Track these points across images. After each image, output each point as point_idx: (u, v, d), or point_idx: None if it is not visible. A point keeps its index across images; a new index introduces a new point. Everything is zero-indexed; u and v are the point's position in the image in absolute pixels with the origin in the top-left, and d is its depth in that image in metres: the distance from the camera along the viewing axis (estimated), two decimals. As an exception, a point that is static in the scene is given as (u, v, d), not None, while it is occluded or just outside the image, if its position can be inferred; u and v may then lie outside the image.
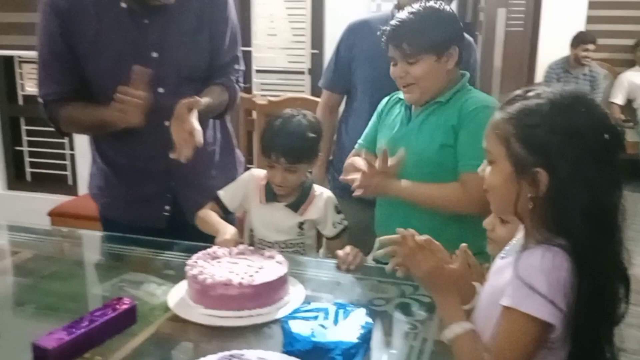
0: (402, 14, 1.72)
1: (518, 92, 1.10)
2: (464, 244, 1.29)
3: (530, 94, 1.08)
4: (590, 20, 5.58)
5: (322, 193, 1.90)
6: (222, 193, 1.88)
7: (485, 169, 1.15)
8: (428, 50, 1.67)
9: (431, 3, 1.74)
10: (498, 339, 1.05)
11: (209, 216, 1.81)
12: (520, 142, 1.05)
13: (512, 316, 1.03)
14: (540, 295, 0.99)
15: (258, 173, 1.93)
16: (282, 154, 1.77)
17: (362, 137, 1.96)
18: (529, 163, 1.04)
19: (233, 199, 1.88)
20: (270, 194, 1.86)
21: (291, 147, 1.77)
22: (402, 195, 1.73)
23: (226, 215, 1.86)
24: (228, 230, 1.70)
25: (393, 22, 1.72)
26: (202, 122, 1.79)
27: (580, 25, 5.50)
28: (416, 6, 1.72)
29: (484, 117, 1.60)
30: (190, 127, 1.64)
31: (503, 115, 1.09)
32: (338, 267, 1.69)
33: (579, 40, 5.24)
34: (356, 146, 1.96)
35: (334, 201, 1.89)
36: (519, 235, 1.17)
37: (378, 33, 1.78)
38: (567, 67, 5.33)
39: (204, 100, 1.77)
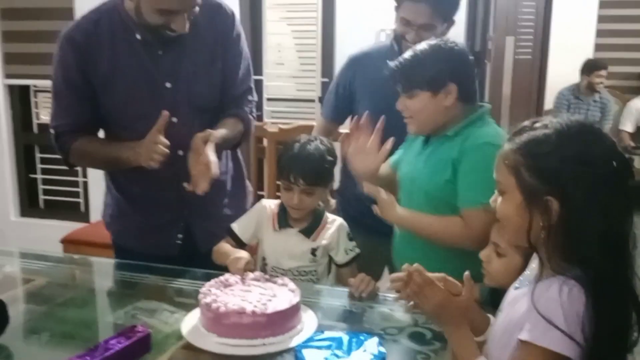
0: (406, 52, 1.75)
1: (526, 123, 1.12)
2: (467, 272, 1.29)
3: (538, 124, 1.10)
4: (598, 48, 5.62)
5: (335, 219, 1.91)
6: (235, 225, 1.91)
7: (497, 200, 1.16)
8: (422, 86, 1.68)
9: (436, 40, 1.74)
10: None
11: (222, 247, 1.83)
12: (530, 172, 1.07)
13: (530, 351, 1.02)
14: (558, 330, 0.99)
15: (269, 203, 1.95)
16: (302, 175, 1.79)
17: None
18: (539, 192, 1.05)
19: (246, 230, 1.90)
20: (283, 221, 1.87)
21: (310, 168, 1.80)
22: (402, 224, 1.74)
23: (241, 247, 1.88)
24: (240, 252, 1.72)
25: (396, 60, 1.75)
26: (218, 153, 1.82)
27: (589, 53, 5.53)
28: (421, 44, 1.74)
29: (485, 153, 1.55)
30: (206, 160, 1.67)
31: (512, 145, 1.11)
32: (350, 295, 1.69)
33: (592, 67, 5.23)
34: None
35: (346, 228, 1.91)
36: (533, 265, 1.17)
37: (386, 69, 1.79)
38: (577, 93, 5.34)
39: (220, 132, 1.80)
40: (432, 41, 1.74)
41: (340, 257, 1.89)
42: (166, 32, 1.75)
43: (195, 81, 1.87)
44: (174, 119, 1.80)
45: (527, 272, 1.18)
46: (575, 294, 1.01)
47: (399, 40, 2.09)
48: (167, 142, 1.68)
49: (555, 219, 1.05)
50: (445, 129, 1.72)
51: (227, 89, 1.93)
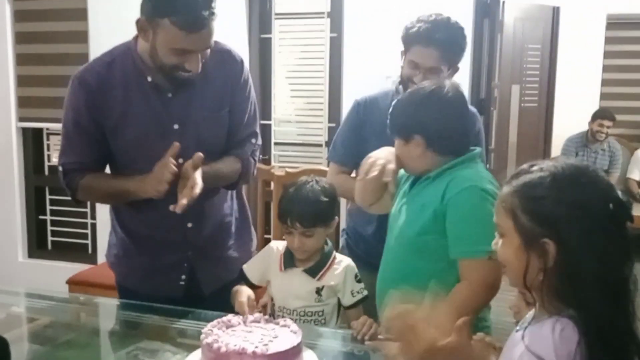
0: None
1: (523, 166, 1.14)
2: (463, 318, 1.27)
3: (534, 168, 1.11)
4: (603, 97, 5.66)
5: (342, 260, 1.91)
6: (245, 267, 1.92)
7: (498, 243, 1.17)
8: (396, 134, 1.73)
9: (419, 87, 1.74)
10: None
11: (234, 289, 1.81)
12: (527, 214, 1.08)
13: None
14: None
15: (277, 244, 1.96)
16: (298, 219, 1.81)
17: None
18: (536, 234, 1.06)
19: (254, 273, 1.91)
20: (288, 261, 1.88)
21: (306, 211, 1.81)
22: None
23: (252, 288, 1.88)
24: (243, 295, 1.73)
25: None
26: (216, 190, 1.88)
27: (595, 102, 5.57)
28: (410, 90, 1.77)
29: (471, 198, 1.57)
30: (192, 182, 1.70)
31: (509, 188, 1.12)
32: (353, 338, 1.68)
33: (597, 115, 5.25)
34: None
35: (354, 270, 1.90)
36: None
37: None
38: (585, 141, 5.33)
39: (215, 166, 1.85)
40: (416, 87, 1.76)
41: (347, 299, 1.88)
42: (179, 72, 1.77)
43: (203, 124, 1.90)
44: (181, 160, 1.83)
45: (529, 314, 1.18)
46: (568, 332, 1.00)
47: (406, 84, 2.13)
48: (175, 169, 1.70)
49: (552, 261, 1.05)
50: (430, 171, 1.71)
51: (232, 132, 1.96)
